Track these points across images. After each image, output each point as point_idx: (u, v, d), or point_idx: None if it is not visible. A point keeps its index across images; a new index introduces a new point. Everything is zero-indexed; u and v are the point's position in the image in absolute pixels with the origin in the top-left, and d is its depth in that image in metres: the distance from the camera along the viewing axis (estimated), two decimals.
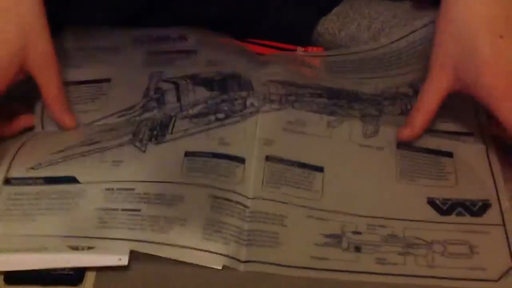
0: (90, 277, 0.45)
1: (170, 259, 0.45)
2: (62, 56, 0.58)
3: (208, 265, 0.45)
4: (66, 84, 0.56)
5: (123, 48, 0.61)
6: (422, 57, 0.56)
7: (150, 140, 0.51)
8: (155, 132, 0.52)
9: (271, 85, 0.55)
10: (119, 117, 0.54)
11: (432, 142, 0.52)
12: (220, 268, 0.45)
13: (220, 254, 0.45)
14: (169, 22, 0.63)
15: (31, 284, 0.45)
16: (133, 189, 0.48)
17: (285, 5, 0.62)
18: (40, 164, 0.50)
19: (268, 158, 0.50)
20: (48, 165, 0.50)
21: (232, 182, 0.49)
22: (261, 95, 0.54)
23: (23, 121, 0.55)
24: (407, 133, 0.52)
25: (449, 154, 0.52)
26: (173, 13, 0.62)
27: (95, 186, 0.48)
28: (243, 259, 0.45)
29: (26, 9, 0.50)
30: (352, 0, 0.64)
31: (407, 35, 0.59)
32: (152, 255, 0.45)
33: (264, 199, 0.48)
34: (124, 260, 0.45)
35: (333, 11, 0.63)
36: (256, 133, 0.52)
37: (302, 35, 0.63)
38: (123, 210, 0.46)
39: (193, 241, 0.45)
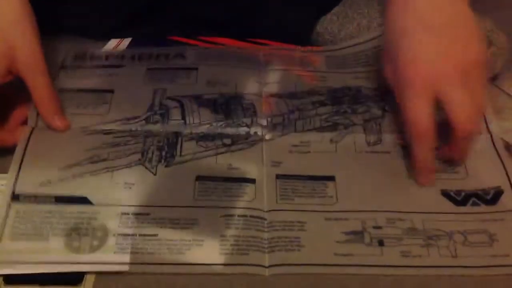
0: (89, 277, 0.44)
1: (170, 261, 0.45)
2: (63, 74, 0.59)
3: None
4: (68, 91, 0.57)
5: (124, 65, 0.61)
6: None
7: (159, 161, 0.51)
8: (163, 153, 0.52)
9: (273, 103, 0.56)
10: (121, 125, 0.54)
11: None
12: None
13: (241, 264, 0.45)
14: (168, 23, 0.64)
15: (30, 284, 0.44)
16: (148, 214, 0.48)
17: (284, 5, 0.63)
18: (49, 181, 0.49)
19: (278, 177, 0.51)
20: (59, 182, 0.49)
21: (245, 200, 0.49)
22: (264, 121, 0.55)
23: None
24: None
25: None
26: (172, 14, 0.63)
27: (109, 208, 0.48)
28: (267, 264, 0.45)
29: (11, 9, 0.49)
30: (351, 0, 0.64)
31: None
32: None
33: (280, 210, 0.49)
34: (125, 266, 0.45)
35: (333, 11, 0.64)
36: (263, 157, 0.52)
37: (302, 35, 0.64)
38: (140, 235, 0.46)
39: (210, 257, 0.45)
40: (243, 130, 0.54)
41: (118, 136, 0.53)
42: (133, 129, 0.54)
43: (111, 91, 0.57)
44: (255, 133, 0.54)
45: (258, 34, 0.63)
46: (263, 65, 0.61)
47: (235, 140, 0.53)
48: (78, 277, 0.44)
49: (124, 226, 0.47)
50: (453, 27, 0.49)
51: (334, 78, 0.60)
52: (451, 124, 0.47)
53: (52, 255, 0.45)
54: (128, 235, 0.46)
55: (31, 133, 0.52)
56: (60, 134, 0.53)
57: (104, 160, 0.51)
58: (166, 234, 0.47)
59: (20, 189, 0.49)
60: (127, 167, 0.51)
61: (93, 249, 0.45)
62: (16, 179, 0.49)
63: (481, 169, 0.51)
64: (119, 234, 0.46)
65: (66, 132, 0.53)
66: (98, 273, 0.45)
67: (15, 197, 0.48)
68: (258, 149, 0.53)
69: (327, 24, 0.64)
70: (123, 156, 0.51)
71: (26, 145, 0.51)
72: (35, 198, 0.48)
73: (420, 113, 0.47)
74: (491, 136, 0.53)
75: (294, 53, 0.63)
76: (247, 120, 0.55)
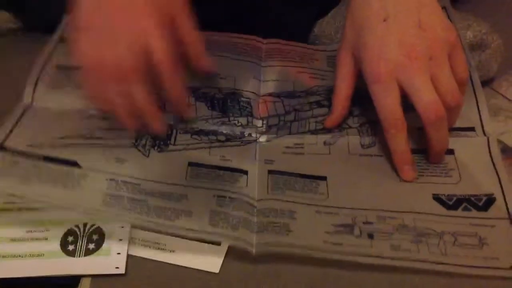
0: (85, 281, 0.44)
1: (167, 263, 0.44)
2: (61, 47, 0.59)
3: (217, 243, 0.45)
4: (67, 68, 0.56)
5: None
6: None
7: (153, 146, 0.51)
8: (157, 141, 0.52)
9: (270, 103, 0.56)
10: None
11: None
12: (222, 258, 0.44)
13: (229, 236, 0.44)
14: None
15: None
16: (138, 184, 0.48)
17: (282, 8, 0.63)
18: (41, 144, 0.49)
19: (270, 172, 0.51)
20: (49, 147, 0.49)
21: (237, 187, 0.49)
22: (259, 122, 0.55)
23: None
24: (329, 119, 0.54)
25: (450, 151, 0.52)
26: None
27: (98, 173, 0.48)
28: (254, 242, 0.44)
29: None
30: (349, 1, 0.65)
31: None
32: (148, 261, 0.45)
33: (271, 199, 0.48)
34: (121, 269, 0.44)
35: (330, 14, 0.64)
36: (256, 156, 0.53)
37: (299, 37, 0.64)
38: (128, 198, 0.46)
39: (199, 225, 0.45)
40: (238, 129, 0.54)
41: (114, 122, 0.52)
42: None
43: None
44: (249, 134, 0.54)
45: (256, 35, 0.64)
46: (263, 60, 0.61)
47: (229, 138, 0.54)
48: (74, 281, 0.44)
49: (111, 189, 0.46)
50: (410, 14, 0.49)
51: (333, 77, 0.59)
52: (419, 114, 0.47)
53: (47, 258, 0.44)
54: (115, 195, 0.46)
55: (24, 110, 0.52)
56: (56, 114, 0.53)
57: (99, 138, 0.51)
58: (156, 201, 0.46)
59: (9, 144, 0.48)
60: (120, 147, 0.50)
61: (88, 252, 0.45)
62: (6, 137, 0.49)
63: (475, 175, 0.50)
64: (106, 193, 0.46)
65: (62, 113, 0.53)
66: (94, 278, 0.44)
67: (2, 148, 0.48)
68: (251, 148, 0.53)
69: (324, 27, 0.64)
70: (117, 138, 0.51)
71: (19, 119, 0.51)
72: (23, 154, 0.48)
73: (387, 104, 0.48)
74: (488, 140, 0.52)
75: (296, 49, 0.63)
76: (243, 120, 0.55)
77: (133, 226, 0.45)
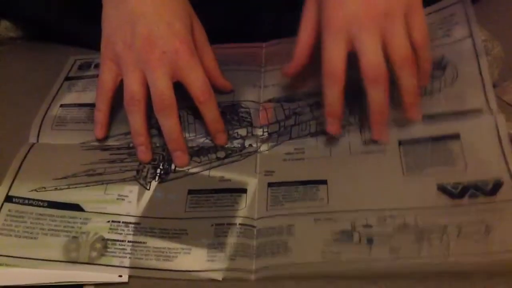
0: None
1: (170, 271, 0.45)
2: (66, 85, 0.61)
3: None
4: (68, 105, 0.58)
5: None
6: None
7: (154, 178, 0.52)
8: (158, 171, 0.53)
9: (270, 110, 0.56)
10: (118, 140, 0.55)
11: (436, 128, 0.51)
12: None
13: (227, 270, 0.45)
14: None
15: None
16: (138, 223, 0.48)
17: (282, 9, 0.63)
18: (44, 188, 0.51)
19: (270, 185, 0.51)
20: (53, 190, 0.51)
21: (235, 209, 0.49)
22: (260, 131, 0.55)
23: None
24: (288, 67, 0.54)
25: (456, 136, 0.50)
26: None
27: (100, 216, 0.49)
28: (254, 268, 0.45)
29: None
30: None
31: None
32: (151, 269, 0.45)
33: (270, 216, 0.48)
34: (124, 277, 0.45)
35: None
36: (256, 168, 0.53)
37: None
38: (129, 241, 0.47)
39: (197, 264, 0.45)
40: (237, 142, 0.54)
41: (115, 153, 0.54)
42: (131, 145, 0.54)
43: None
44: (250, 145, 0.54)
45: (256, 37, 0.64)
46: (264, 66, 0.61)
47: (229, 153, 0.54)
48: None
49: (113, 232, 0.48)
50: None
51: None
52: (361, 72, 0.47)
53: (49, 265, 0.46)
54: (117, 240, 0.47)
55: (30, 147, 0.54)
56: (59, 148, 0.54)
57: (100, 174, 0.52)
58: (155, 242, 0.47)
59: (14, 192, 0.50)
60: (121, 181, 0.51)
61: (91, 261, 0.46)
62: (11, 184, 0.51)
63: (482, 159, 0.48)
64: (106, 239, 0.47)
65: (65, 147, 0.55)
66: (97, 285, 0.45)
67: (8, 199, 0.50)
68: (251, 160, 0.53)
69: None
70: (118, 172, 0.52)
71: (25, 157, 0.53)
72: (28, 201, 0.50)
73: (332, 54, 0.48)
74: (496, 124, 0.49)
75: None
76: (242, 132, 0.55)
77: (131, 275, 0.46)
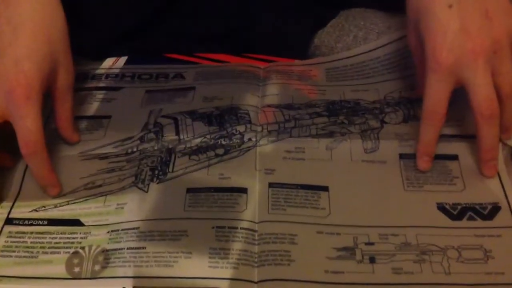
0: None
1: (173, 281, 0.45)
2: None
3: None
4: None
5: (123, 86, 0.62)
6: None
7: (152, 180, 0.52)
8: (156, 172, 0.52)
9: (269, 113, 0.56)
10: (116, 147, 0.55)
11: (436, 147, 0.51)
12: None
13: (229, 279, 0.45)
14: (163, 38, 0.64)
15: None
16: (137, 228, 0.48)
17: (281, 19, 0.63)
18: (44, 207, 0.50)
19: (271, 185, 0.51)
20: (53, 208, 0.50)
21: (236, 211, 0.49)
22: (259, 127, 0.55)
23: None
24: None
25: (454, 157, 0.51)
26: (172, 29, 0.63)
27: (100, 228, 0.49)
28: (256, 279, 0.45)
29: (56, 30, 0.51)
30: (347, 12, 0.64)
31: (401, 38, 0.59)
32: (154, 280, 0.45)
33: (271, 221, 0.48)
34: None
35: (329, 24, 0.64)
36: (256, 165, 0.52)
37: (299, 48, 0.64)
38: (128, 249, 0.47)
39: (198, 271, 0.45)
40: (236, 138, 0.54)
41: (114, 161, 0.54)
42: (129, 151, 0.54)
43: (108, 117, 0.58)
44: (249, 139, 0.54)
45: (255, 48, 0.63)
46: (262, 80, 0.61)
47: (228, 149, 0.53)
48: None
49: (113, 242, 0.47)
50: (476, 1, 0.47)
51: (333, 91, 0.59)
52: (472, 109, 0.47)
53: (52, 283, 0.45)
54: (117, 249, 0.47)
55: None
56: (57, 161, 0.54)
57: (99, 186, 0.52)
58: (154, 247, 0.47)
59: (14, 214, 0.50)
60: (120, 190, 0.51)
61: (94, 274, 0.46)
62: (12, 207, 0.51)
63: (479, 183, 0.50)
64: (106, 250, 0.47)
65: (63, 159, 0.54)
66: None
67: (8, 221, 0.50)
68: (251, 156, 0.53)
69: (324, 37, 0.64)
70: (117, 181, 0.52)
71: (23, 176, 0.53)
72: (28, 221, 0.49)
73: (435, 96, 0.48)
74: None
75: (293, 68, 0.62)
76: (241, 128, 0.55)
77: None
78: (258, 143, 0.54)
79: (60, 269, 0.46)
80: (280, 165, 0.52)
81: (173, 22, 0.63)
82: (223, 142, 0.54)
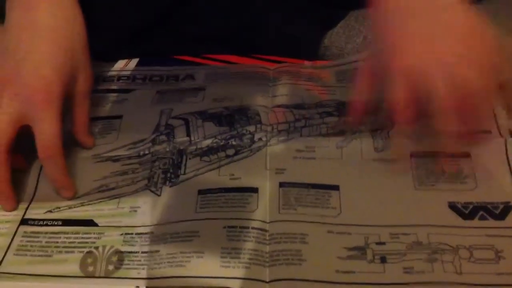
0: None
1: (187, 281, 0.45)
2: None
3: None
4: None
5: (134, 88, 0.63)
6: None
7: (164, 183, 0.52)
8: (168, 174, 0.53)
9: (279, 113, 0.56)
10: (129, 149, 0.55)
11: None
12: None
13: (241, 278, 0.45)
14: (170, 39, 0.64)
15: None
16: (152, 233, 0.49)
17: (291, 20, 0.63)
18: (59, 207, 0.51)
19: (281, 185, 0.51)
20: (67, 209, 0.51)
21: (247, 211, 0.49)
22: (269, 127, 0.55)
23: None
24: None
25: (467, 155, 0.51)
26: (179, 31, 0.63)
27: (114, 229, 0.49)
28: (267, 279, 0.45)
29: (76, 35, 0.52)
30: (357, 13, 0.64)
31: None
32: (167, 280, 0.46)
33: (282, 220, 0.48)
34: None
35: (339, 25, 0.64)
36: (266, 164, 0.52)
37: (309, 49, 0.64)
38: (142, 252, 0.47)
39: (210, 270, 0.45)
40: (247, 138, 0.54)
41: (126, 163, 0.54)
42: (141, 153, 0.55)
43: (120, 117, 0.59)
44: (259, 139, 0.54)
45: (265, 49, 0.64)
46: (272, 81, 0.61)
47: (239, 150, 0.54)
48: None
49: (127, 245, 0.48)
50: (444, 15, 0.47)
51: (343, 91, 0.59)
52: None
53: (66, 281, 0.46)
54: (132, 252, 0.47)
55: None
56: (71, 164, 0.54)
57: (112, 189, 0.52)
58: (168, 248, 0.47)
59: (29, 215, 0.51)
60: (133, 193, 0.52)
61: (108, 273, 0.46)
62: (27, 208, 0.51)
63: (491, 180, 0.49)
64: (120, 251, 0.47)
65: (77, 161, 0.55)
66: None
67: (24, 222, 0.50)
68: (261, 155, 0.53)
69: (334, 38, 0.64)
70: (130, 184, 0.52)
71: (38, 178, 0.53)
72: (43, 221, 0.50)
73: (399, 99, 0.47)
74: (506, 148, 0.51)
75: (303, 69, 0.62)
76: (251, 128, 0.55)
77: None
78: (268, 143, 0.54)
79: (74, 268, 0.47)
80: (291, 165, 0.52)
81: (180, 24, 0.64)
82: (234, 143, 0.54)
